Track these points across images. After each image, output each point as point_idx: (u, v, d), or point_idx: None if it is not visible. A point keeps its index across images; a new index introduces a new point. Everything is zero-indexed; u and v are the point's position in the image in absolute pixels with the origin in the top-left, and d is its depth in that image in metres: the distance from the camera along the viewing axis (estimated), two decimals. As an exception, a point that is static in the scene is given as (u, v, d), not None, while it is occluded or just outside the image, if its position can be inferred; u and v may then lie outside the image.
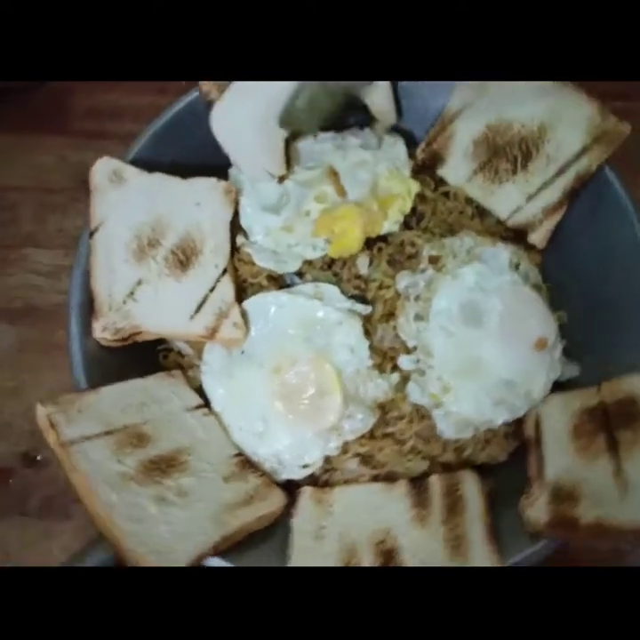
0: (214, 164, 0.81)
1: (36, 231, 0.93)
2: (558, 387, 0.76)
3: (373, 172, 0.80)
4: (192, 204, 0.77)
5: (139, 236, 0.75)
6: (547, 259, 0.84)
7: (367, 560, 0.60)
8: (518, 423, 0.75)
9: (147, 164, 0.79)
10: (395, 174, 0.81)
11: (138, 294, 0.73)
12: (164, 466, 0.63)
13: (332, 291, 0.77)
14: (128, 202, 0.75)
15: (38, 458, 0.82)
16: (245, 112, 0.79)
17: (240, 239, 0.79)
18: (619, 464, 0.63)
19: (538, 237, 0.83)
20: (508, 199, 0.84)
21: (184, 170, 0.79)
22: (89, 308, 0.70)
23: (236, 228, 0.79)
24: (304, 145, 0.83)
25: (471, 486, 0.66)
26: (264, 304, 0.76)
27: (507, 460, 0.76)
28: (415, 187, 0.81)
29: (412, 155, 0.84)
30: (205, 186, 0.78)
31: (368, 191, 0.78)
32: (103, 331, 0.69)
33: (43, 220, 0.93)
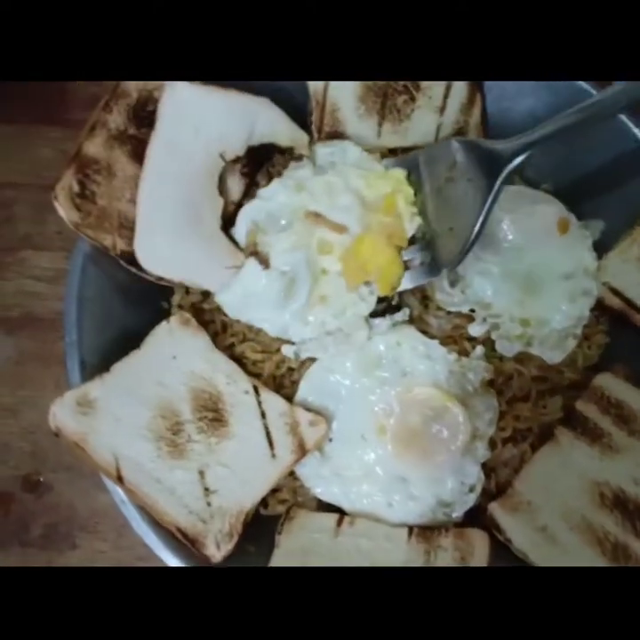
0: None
1: (35, 232, 0.83)
2: (597, 245, 0.75)
3: (350, 189, 0.69)
4: (170, 360, 0.64)
5: (157, 430, 0.62)
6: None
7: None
8: (600, 305, 0.72)
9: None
10: (370, 176, 0.71)
11: (211, 482, 0.61)
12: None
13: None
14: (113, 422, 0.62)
15: (41, 479, 0.74)
16: (165, 228, 0.67)
17: (288, 349, 0.68)
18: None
19: (473, 137, 0.79)
20: (425, 124, 0.79)
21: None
22: (87, 315, 0.64)
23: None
24: (250, 211, 0.71)
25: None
26: (324, 381, 0.66)
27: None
28: (401, 173, 0.72)
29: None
30: (166, 337, 0.66)
31: (362, 210, 0.68)
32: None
33: (41, 221, 0.83)
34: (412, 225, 0.69)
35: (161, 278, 0.69)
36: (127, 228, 0.68)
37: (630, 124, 0.75)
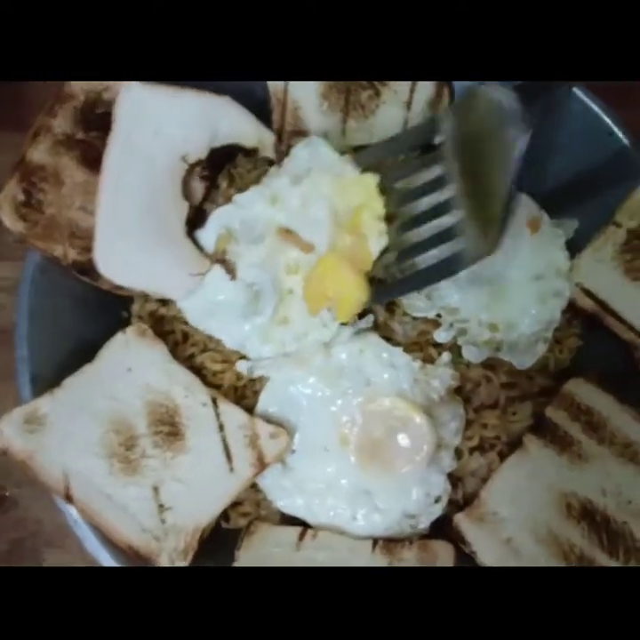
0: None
1: None
2: (570, 244, 0.72)
3: (322, 198, 0.65)
4: (125, 372, 0.62)
5: (109, 445, 0.60)
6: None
7: None
8: (572, 307, 0.70)
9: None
10: (343, 183, 0.66)
11: (166, 498, 0.59)
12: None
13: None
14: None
15: (6, 494, 0.73)
16: (127, 235, 0.65)
17: (243, 364, 0.66)
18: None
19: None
20: (391, 119, 0.76)
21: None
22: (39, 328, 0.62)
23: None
24: (223, 215, 0.67)
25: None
26: (284, 392, 0.64)
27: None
28: (372, 179, 0.67)
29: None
30: (121, 349, 0.64)
31: (333, 226, 0.64)
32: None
33: (1, 229, 0.77)
34: (378, 244, 0.65)
35: (119, 287, 0.67)
36: (79, 236, 0.65)
37: (606, 119, 0.72)
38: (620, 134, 0.71)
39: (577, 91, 0.72)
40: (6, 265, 0.80)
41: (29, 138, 0.65)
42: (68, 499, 0.58)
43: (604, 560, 0.57)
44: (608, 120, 0.72)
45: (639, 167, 0.69)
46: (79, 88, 0.68)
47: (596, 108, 0.72)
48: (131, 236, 0.66)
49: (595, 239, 0.69)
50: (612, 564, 0.57)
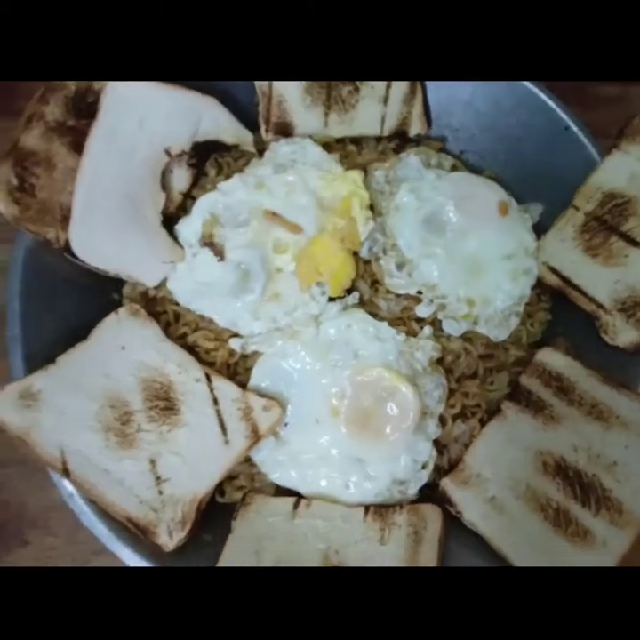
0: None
1: None
2: (537, 228, 0.78)
3: (308, 190, 0.70)
4: (118, 350, 0.63)
5: (105, 420, 0.61)
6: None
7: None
8: (540, 284, 0.75)
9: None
10: (329, 177, 0.71)
11: (163, 470, 0.60)
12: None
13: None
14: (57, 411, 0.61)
15: None
16: (103, 219, 0.66)
17: (236, 342, 0.68)
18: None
19: (416, 127, 0.82)
20: (370, 114, 0.81)
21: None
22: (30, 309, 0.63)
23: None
24: (207, 202, 0.70)
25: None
26: (276, 366, 0.66)
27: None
28: (357, 175, 0.73)
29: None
30: (114, 328, 0.65)
31: (319, 211, 0.68)
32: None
33: None
34: (365, 228, 0.70)
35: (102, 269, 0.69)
36: (70, 220, 0.66)
37: (562, 115, 0.79)
38: (575, 128, 0.78)
39: (538, 91, 0.80)
40: (-6, 247, 0.79)
41: (22, 124, 0.66)
42: (66, 473, 0.58)
43: (577, 510, 0.62)
44: (564, 116, 0.79)
45: (592, 157, 0.77)
46: (71, 78, 0.70)
47: (554, 105, 0.79)
48: (106, 221, 0.68)
49: (557, 221, 0.75)
50: (586, 513, 0.61)
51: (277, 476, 0.67)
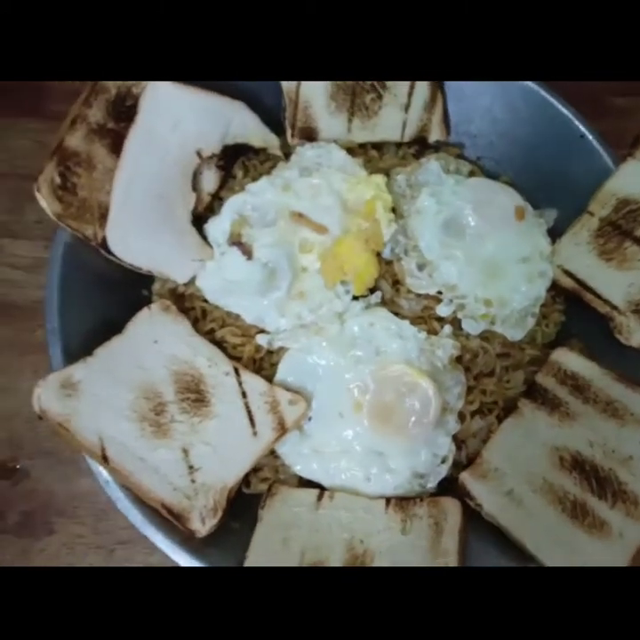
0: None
1: (13, 221, 0.84)
2: (551, 233, 0.81)
3: (333, 192, 0.73)
4: (151, 344, 0.66)
5: (140, 410, 0.63)
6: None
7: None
8: (555, 286, 0.77)
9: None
10: (353, 180, 0.74)
11: (195, 460, 0.62)
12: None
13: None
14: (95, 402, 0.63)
15: (17, 466, 0.74)
16: (137, 218, 0.69)
17: (263, 338, 0.70)
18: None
19: (436, 133, 0.85)
20: (391, 120, 0.84)
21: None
22: (67, 303, 0.66)
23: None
24: (236, 203, 0.73)
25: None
26: (302, 362, 0.69)
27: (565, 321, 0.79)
28: (381, 179, 0.76)
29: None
30: (147, 322, 0.68)
31: (343, 213, 0.71)
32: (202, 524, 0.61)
33: (20, 210, 0.84)
34: (388, 230, 0.73)
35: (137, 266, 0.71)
36: (107, 218, 0.69)
37: (578, 124, 0.82)
38: (590, 137, 0.81)
39: (554, 101, 0.83)
40: (23, 244, 0.83)
41: (67, 125, 0.69)
42: (105, 460, 0.60)
43: (594, 503, 0.64)
44: (580, 125, 0.82)
45: (606, 164, 0.79)
46: (111, 83, 0.73)
47: (570, 114, 0.82)
48: (140, 220, 0.70)
49: (572, 226, 0.78)
50: (603, 505, 0.64)
51: (300, 468, 0.69)
